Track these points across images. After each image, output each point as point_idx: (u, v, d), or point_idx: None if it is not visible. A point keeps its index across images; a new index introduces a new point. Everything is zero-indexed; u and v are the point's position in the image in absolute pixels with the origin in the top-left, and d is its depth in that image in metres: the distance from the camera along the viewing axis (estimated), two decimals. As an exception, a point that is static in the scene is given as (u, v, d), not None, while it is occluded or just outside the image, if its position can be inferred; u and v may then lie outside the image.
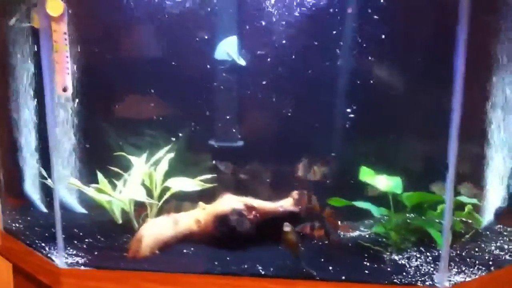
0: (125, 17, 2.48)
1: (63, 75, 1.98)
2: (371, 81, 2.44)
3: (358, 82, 2.43)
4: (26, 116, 2.56)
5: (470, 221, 2.40)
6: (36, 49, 2.42)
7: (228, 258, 2.14)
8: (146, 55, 2.58)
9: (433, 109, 2.38)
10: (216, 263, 2.09)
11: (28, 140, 2.58)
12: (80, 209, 2.66)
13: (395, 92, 2.49)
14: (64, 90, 2.00)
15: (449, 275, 2.01)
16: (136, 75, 2.55)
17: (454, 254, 2.19)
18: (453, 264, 2.11)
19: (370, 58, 2.43)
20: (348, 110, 2.44)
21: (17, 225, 2.49)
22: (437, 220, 2.30)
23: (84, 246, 2.25)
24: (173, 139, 2.54)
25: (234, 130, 2.57)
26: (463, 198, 2.26)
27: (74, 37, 2.11)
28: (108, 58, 2.56)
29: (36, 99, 2.54)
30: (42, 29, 1.94)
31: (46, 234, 2.35)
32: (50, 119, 1.99)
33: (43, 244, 2.27)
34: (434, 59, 2.39)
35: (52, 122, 2.00)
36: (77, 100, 2.50)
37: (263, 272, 2.03)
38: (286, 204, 2.33)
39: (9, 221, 2.50)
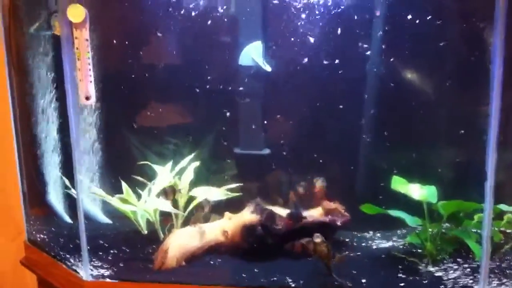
0: (147, 23, 2.44)
1: (86, 83, 1.94)
2: (404, 86, 2.36)
3: (390, 87, 2.35)
4: (49, 124, 2.54)
5: (509, 231, 2.29)
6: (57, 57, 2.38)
7: (256, 270, 2.07)
8: (169, 62, 2.53)
9: (468, 114, 2.30)
10: (244, 275, 2.03)
11: (51, 149, 2.56)
12: (105, 219, 2.62)
13: (429, 97, 2.40)
14: (87, 98, 1.95)
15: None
16: (158, 82, 2.51)
17: (494, 266, 2.08)
18: (493, 276, 2.00)
19: (401, 62, 2.35)
20: (380, 116, 2.37)
21: (42, 236, 2.45)
22: (474, 230, 2.20)
23: (109, 258, 2.20)
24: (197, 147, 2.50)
25: (260, 138, 2.50)
26: (503, 207, 2.14)
27: (96, 43, 2.09)
28: (130, 64, 2.51)
29: (57, 108, 2.53)
30: (63, 36, 1.89)
31: (71, 245, 2.31)
32: (73, 128, 1.96)
33: (67, 256, 2.23)
34: (468, 63, 2.30)
35: (75, 131, 1.97)
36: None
37: (293, 285, 1.96)
38: (316, 213, 2.26)
39: (33, 232, 2.47)
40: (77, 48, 1.91)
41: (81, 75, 1.93)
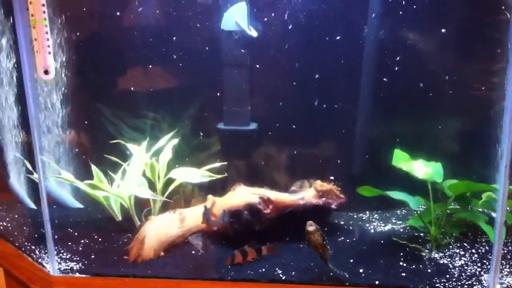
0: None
1: (44, 54, 1.70)
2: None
3: (390, 53, 2.15)
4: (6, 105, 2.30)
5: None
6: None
7: (243, 261, 1.90)
8: (143, 25, 2.29)
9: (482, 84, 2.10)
10: (229, 266, 1.86)
11: (10, 130, 2.32)
12: (75, 203, 2.42)
13: (438, 68, 2.19)
14: (46, 72, 1.71)
15: (499, 276, 1.74)
16: (132, 48, 2.31)
17: (505, 251, 1.91)
18: (504, 263, 1.83)
19: (402, 28, 2.14)
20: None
21: (5, 224, 2.23)
22: (479, 209, 2.01)
23: (80, 249, 2.02)
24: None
25: (245, 112, 2.29)
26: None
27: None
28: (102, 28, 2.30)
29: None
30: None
31: (36, 235, 2.12)
32: (31, 106, 1.74)
33: (32, 247, 2.03)
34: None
35: (33, 109, 1.76)
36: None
37: (283, 277, 1.79)
38: (308, 195, 2.06)
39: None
40: (32, 15, 1.67)
41: (38, 45, 1.70)
